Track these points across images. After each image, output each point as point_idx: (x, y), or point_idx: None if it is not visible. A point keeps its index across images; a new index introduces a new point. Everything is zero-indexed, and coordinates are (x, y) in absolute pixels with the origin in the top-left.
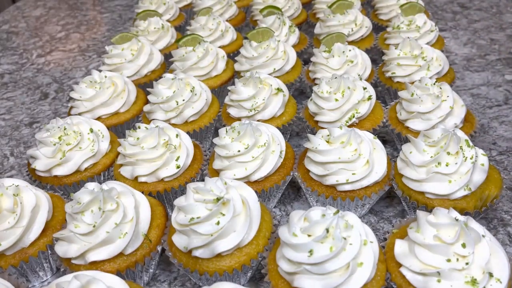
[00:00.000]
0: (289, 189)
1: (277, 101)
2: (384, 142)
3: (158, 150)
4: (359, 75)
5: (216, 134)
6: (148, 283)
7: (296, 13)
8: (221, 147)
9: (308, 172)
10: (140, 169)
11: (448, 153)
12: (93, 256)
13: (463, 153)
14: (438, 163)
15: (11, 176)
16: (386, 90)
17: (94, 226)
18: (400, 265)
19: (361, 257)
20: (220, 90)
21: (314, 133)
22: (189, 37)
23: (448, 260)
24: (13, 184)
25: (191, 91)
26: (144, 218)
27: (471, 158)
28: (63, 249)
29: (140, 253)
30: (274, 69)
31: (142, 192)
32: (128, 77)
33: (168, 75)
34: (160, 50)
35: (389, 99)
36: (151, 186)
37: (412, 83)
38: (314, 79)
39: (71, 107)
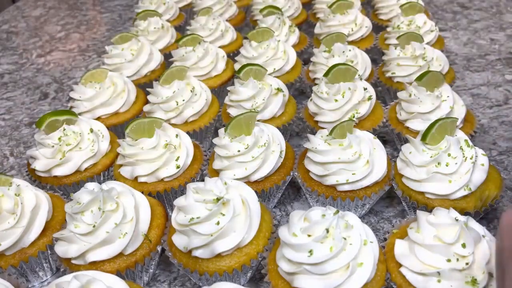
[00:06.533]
0: (289, 189)
1: (277, 101)
2: (384, 142)
3: (158, 151)
4: (359, 75)
5: (216, 134)
6: (148, 283)
7: (296, 13)
8: (221, 147)
9: (308, 172)
10: (140, 169)
11: (448, 153)
12: (93, 256)
13: (463, 153)
14: (438, 163)
15: (11, 176)
16: (386, 90)
17: (94, 226)
18: (400, 265)
19: (361, 257)
20: (220, 90)
21: (314, 133)
22: (189, 37)
23: (448, 260)
24: (13, 184)
25: (191, 91)
26: (144, 218)
27: (471, 158)
28: (63, 249)
29: (140, 253)
30: (274, 69)
31: (142, 192)
32: (128, 77)
33: None
34: (160, 50)
35: (389, 99)
36: (151, 186)
37: (411, 83)
38: (314, 79)
39: (71, 107)
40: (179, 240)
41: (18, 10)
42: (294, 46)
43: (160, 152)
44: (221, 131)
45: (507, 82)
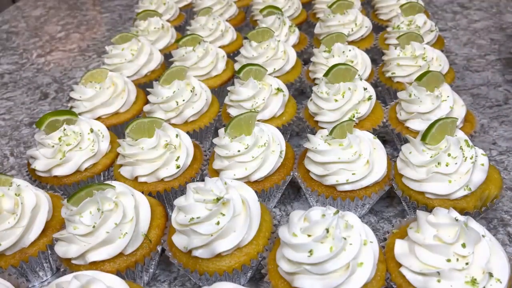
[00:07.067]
0: (289, 189)
1: (277, 101)
2: (384, 142)
3: (158, 151)
4: (359, 75)
5: (216, 134)
6: (148, 283)
7: (296, 13)
8: (221, 147)
9: (308, 172)
10: (140, 169)
11: (448, 153)
12: (93, 256)
13: (463, 153)
14: (438, 163)
15: (11, 176)
16: (386, 90)
17: (93, 227)
18: (400, 265)
19: (361, 257)
20: (220, 90)
21: (314, 133)
22: (189, 37)
23: (448, 260)
24: (14, 184)
25: (191, 91)
26: (144, 218)
27: (471, 158)
28: (63, 250)
29: (140, 253)
30: (274, 69)
31: (142, 192)
32: (128, 77)
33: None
34: (160, 50)
35: (389, 99)
36: (151, 186)
37: (411, 83)
38: (314, 79)
39: (71, 107)
40: (179, 240)
41: (18, 10)
42: (294, 46)
43: (160, 152)
44: (221, 131)
45: (507, 82)
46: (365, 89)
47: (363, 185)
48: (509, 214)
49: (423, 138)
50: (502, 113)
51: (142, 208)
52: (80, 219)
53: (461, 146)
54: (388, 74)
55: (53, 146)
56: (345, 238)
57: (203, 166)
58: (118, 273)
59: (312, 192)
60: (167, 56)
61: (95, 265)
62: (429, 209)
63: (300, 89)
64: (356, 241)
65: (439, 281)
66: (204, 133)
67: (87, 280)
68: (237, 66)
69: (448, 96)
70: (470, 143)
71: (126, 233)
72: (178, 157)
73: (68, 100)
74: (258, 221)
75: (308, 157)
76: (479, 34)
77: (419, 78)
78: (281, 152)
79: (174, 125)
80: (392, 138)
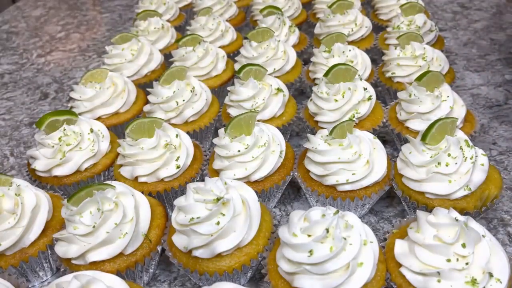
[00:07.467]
0: (289, 189)
1: (277, 101)
2: (384, 142)
3: (158, 151)
4: (359, 75)
5: (216, 134)
6: (148, 283)
7: (296, 13)
8: (221, 147)
9: (308, 172)
10: (140, 169)
11: (448, 153)
12: (93, 256)
13: (463, 153)
14: (438, 163)
15: (11, 176)
16: (386, 90)
17: (93, 227)
18: (400, 265)
19: (361, 257)
20: (220, 90)
21: (314, 133)
22: (189, 37)
23: (448, 260)
24: (14, 184)
25: (191, 91)
26: (144, 218)
27: (471, 158)
28: (63, 250)
29: (140, 253)
30: (274, 69)
31: (142, 192)
32: (128, 77)
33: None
34: (160, 50)
35: (389, 99)
36: (151, 186)
37: (411, 83)
38: (314, 79)
39: (71, 107)
40: (179, 240)
41: (18, 10)
42: (294, 46)
43: (160, 152)
44: (221, 131)
45: (507, 82)
46: (365, 89)
47: (363, 185)
48: (509, 214)
49: (423, 138)
50: (502, 113)
51: (142, 208)
52: (80, 219)
53: (461, 146)
54: (388, 74)
55: (53, 146)
56: (345, 238)
57: (203, 166)
58: (118, 273)
59: (312, 192)
60: (167, 56)
61: (95, 265)
62: (429, 209)
63: (300, 89)
64: (356, 241)
65: (439, 281)
66: (204, 133)
67: (87, 280)
68: (237, 66)
69: (448, 96)
70: (470, 143)
71: (126, 233)
72: (178, 157)
73: (68, 100)
74: (258, 221)
75: (308, 157)
76: (479, 34)
77: (419, 78)
78: (281, 152)
79: (174, 125)
80: (392, 138)
